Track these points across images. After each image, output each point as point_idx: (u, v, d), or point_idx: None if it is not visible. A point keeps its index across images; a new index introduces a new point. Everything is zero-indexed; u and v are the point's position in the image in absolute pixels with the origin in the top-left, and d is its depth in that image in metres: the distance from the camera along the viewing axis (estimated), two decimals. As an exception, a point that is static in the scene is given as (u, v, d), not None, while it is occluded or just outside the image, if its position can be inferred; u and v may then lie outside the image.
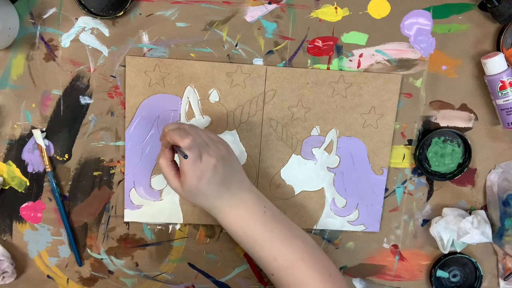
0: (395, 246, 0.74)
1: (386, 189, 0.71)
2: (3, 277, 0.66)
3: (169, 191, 0.68)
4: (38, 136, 0.64)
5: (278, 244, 0.60)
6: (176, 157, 0.61)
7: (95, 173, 0.67)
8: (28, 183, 0.66)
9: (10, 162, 0.66)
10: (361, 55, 0.67)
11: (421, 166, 0.70)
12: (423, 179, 0.72)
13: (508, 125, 0.67)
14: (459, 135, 0.70)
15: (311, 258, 0.60)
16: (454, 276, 0.75)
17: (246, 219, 0.60)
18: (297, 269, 0.59)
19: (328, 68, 0.67)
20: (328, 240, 0.73)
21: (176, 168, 0.59)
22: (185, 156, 0.55)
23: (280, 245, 0.60)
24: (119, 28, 0.63)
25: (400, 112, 0.69)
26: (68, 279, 0.71)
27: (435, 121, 0.70)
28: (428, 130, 0.70)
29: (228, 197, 0.59)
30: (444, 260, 0.73)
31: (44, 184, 0.67)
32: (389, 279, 0.75)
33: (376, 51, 0.67)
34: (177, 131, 0.56)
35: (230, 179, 0.59)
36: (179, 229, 0.70)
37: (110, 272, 0.71)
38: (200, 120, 0.66)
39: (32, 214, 0.68)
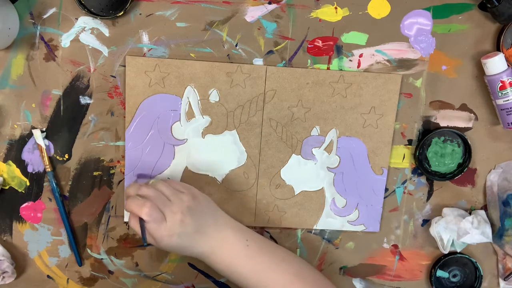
0: (395, 246, 0.74)
1: (386, 189, 0.71)
2: (3, 277, 0.66)
3: (169, 191, 0.68)
4: (38, 136, 0.64)
5: (266, 272, 0.59)
6: None
7: (95, 173, 0.67)
8: (28, 183, 0.66)
9: (10, 162, 0.66)
10: (361, 55, 0.67)
11: (421, 166, 0.70)
12: (423, 179, 0.72)
13: (508, 125, 0.67)
14: (459, 135, 0.70)
15: (302, 279, 0.60)
16: (454, 276, 0.75)
17: (230, 257, 0.59)
18: None
19: (328, 68, 0.67)
20: (328, 240, 0.73)
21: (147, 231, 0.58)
22: (144, 242, 0.57)
23: (269, 272, 0.59)
24: (119, 28, 0.63)
25: (400, 112, 0.69)
26: (68, 279, 0.71)
27: (435, 121, 0.70)
28: (428, 130, 0.70)
29: (207, 242, 0.59)
30: (444, 260, 0.73)
31: (44, 184, 0.67)
32: (389, 279, 0.75)
33: (376, 51, 0.67)
34: (134, 200, 0.57)
35: (203, 225, 0.59)
36: (179, 229, 0.70)
37: (110, 272, 0.71)
38: (200, 120, 0.66)
39: (32, 214, 0.68)
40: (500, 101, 0.66)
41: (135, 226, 0.58)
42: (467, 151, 0.70)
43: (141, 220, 0.57)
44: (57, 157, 0.66)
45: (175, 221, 0.56)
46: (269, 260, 0.60)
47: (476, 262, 0.74)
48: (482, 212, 0.72)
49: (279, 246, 0.63)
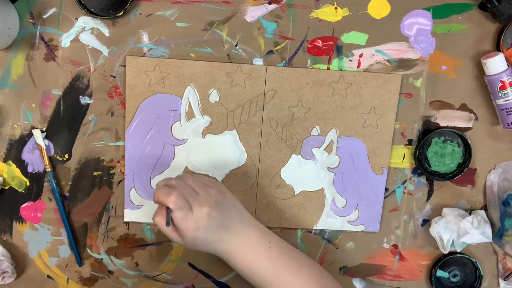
0: (395, 246, 0.74)
1: (386, 189, 0.71)
2: (3, 277, 0.66)
3: (169, 191, 0.68)
4: (38, 136, 0.64)
5: (285, 277, 0.59)
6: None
7: (95, 173, 0.67)
8: (28, 183, 0.66)
9: (10, 162, 0.66)
10: (361, 55, 0.67)
11: (421, 166, 0.70)
12: (423, 179, 0.72)
13: (508, 125, 0.67)
14: (459, 135, 0.70)
15: (320, 286, 0.59)
16: (454, 276, 0.75)
17: (252, 257, 0.59)
18: None
19: (328, 68, 0.67)
20: (328, 240, 0.73)
21: (173, 223, 0.58)
22: (167, 224, 0.56)
23: (288, 277, 0.59)
24: (119, 28, 0.63)
25: (400, 112, 0.69)
26: (68, 279, 0.71)
27: (435, 121, 0.70)
28: (428, 130, 0.70)
29: (230, 239, 0.58)
30: (444, 260, 0.73)
31: (44, 184, 0.67)
32: (389, 279, 0.75)
33: (376, 51, 0.67)
34: (162, 189, 0.56)
35: (228, 221, 0.58)
36: (179, 229, 0.70)
37: (110, 272, 0.71)
38: (200, 120, 0.66)
39: (32, 214, 0.68)
40: (500, 101, 0.66)
41: (160, 222, 0.57)
42: (467, 151, 0.70)
43: (168, 209, 0.56)
44: (57, 157, 0.66)
45: (202, 213, 0.56)
46: (290, 265, 0.60)
47: (476, 262, 0.74)
48: (482, 212, 0.72)
49: (298, 251, 0.63)
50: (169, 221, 0.56)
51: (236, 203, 0.61)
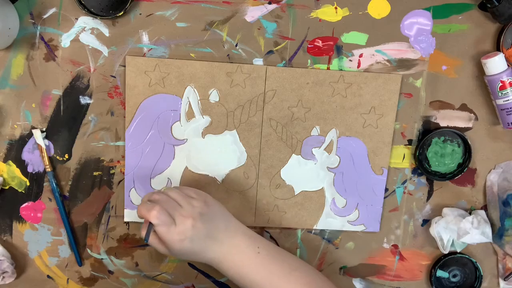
0: (395, 246, 0.74)
1: (386, 189, 0.71)
2: (3, 277, 0.66)
3: (169, 191, 0.68)
4: (38, 136, 0.64)
5: (276, 281, 0.59)
6: None
7: (95, 173, 0.67)
8: (28, 183, 0.66)
9: (10, 162, 0.66)
10: (361, 55, 0.67)
11: (421, 166, 0.70)
12: (423, 179, 0.72)
13: (508, 125, 0.67)
14: (459, 135, 0.70)
15: None
16: (454, 276, 0.75)
17: (240, 264, 0.59)
18: None
19: (328, 68, 0.67)
20: (328, 240, 0.73)
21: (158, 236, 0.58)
22: (146, 239, 0.57)
23: (280, 281, 0.59)
24: (119, 28, 0.63)
25: (400, 112, 0.69)
26: (68, 279, 0.71)
27: (435, 121, 0.70)
28: (428, 130, 0.70)
29: (218, 247, 0.59)
30: (444, 260, 0.73)
31: (44, 184, 0.67)
32: (389, 279, 0.75)
33: (376, 51, 0.67)
34: (144, 205, 0.57)
35: (215, 230, 0.59)
36: (179, 229, 0.70)
37: (110, 272, 0.71)
38: (200, 120, 0.66)
39: (32, 214, 0.68)
40: (500, 101, 0.66)
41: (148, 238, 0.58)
42: (467, 151, 0.70)
43: (150, 224, 0.57)
44: (57, 157, 0.66)
45: (186, 225, 0.56)
46: (281, 269, 0.60)
47: (476, 262, 0.74)
48: (482, 212, 0.72)
49: (291, 255, 0.63)
50: (148, 236, 0.57)
51: (223, 212, 0.61)
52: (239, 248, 0.60)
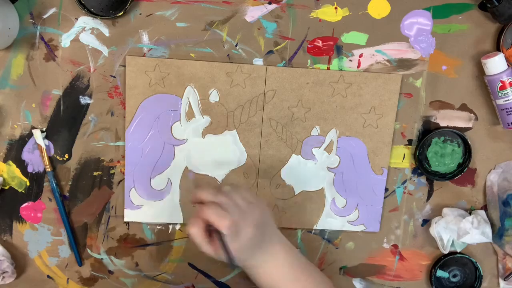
0: (395, 246, 0.74)
1: (386, 189, 0.71)
2: (3, 277, 0.66)
3: (169, 191, 0.68)
4: (38, 136, 0.64)
5: None
6: None
7: (95, 173, 0.67)
8: (28, 183, 0.66)
9: (10, 162, 0.66)
10: (361, 55, 0.67)
11: (421, 166, 0.70)
12: (423, 179, 0.72)
13: (508, 125, 0.67)
14: (459, 135, 0.70)
15: None
16: (454, 276, 0.75)
17: (275, 274, 0.59)
18: None
19: (328, 68, 0.67)
20: (328, 240, 0.73)
21: (209, 233, 0.56)
22: (230, 261, 0.53)
23: None
24: (119, 28, 0.63)
25: (400, 112, 0.69)
26: (68, 279, 0.71)
27: (435, 121, 0.70)
28: (428, 130, 0.70)
29: (260, 255, 0.58)
30: (444, 260, 0.73)
31: (44, 184, 0.67)
32: (389, 279, 0.75)
33: (376, 51, 0.67)
34: (214, 209, 0.53)
35: (263, 239, 0.58)
36: (179, 229, 0.70)
37: (110, 272, 0.71)
38: (200, 120, 0.66)
39: (32, 214, 0.68)
40: (500, 101, 0.66)
41: (197, 235, 0.54)
42: (467, 151, 0.70)
43: (220, 235, 0.53)
44: (57, 157, 0.66)
45: (246, 235, 0.55)
46: (310, 284, 0.60)
47: (476, 262, 0.74)
48: (482, 212, 0.72)
49: (316, 269, 0.63)
50: (229, 250, 0.52)
51: (271, 221, 0.60)
52: (277, 259, 0.59)
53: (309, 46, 0.66)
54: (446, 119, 0.70)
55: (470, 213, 0.73)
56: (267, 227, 0.59)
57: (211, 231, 0.55)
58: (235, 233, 0.54)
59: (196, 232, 0.55)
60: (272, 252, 0.59)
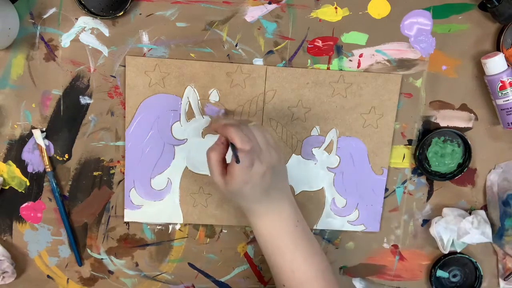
0: (395, 246, 0.74)
1: (386, 189, 0.71)
2: (3, 277, 0.66)
3: (169, 191, 0.68)
4: (38, 136, 0.64)
5: (299, 259, 0.59)
6: (228, 154, 0.59)
7: (95, 173, 0.67)
8: (28, 183, 0.66)
9: (10, 162, 0.66)
10: (361, 55, 0.67)
11: (421, 166, 0.70)
12: (423, 179, 0.72)
13: (508, 125, 0.67)
14: (459, 135, 0.70)
15: (324, 279, 0.60)
16: (454, 276, 0.75)
17: (277, 228, 0.60)
18: (310, 286, 0.59)
19: (328, 68, 0.67)
20: (328, 240, 0.73)
21: (224, 165, 0.58)
22: (238, 161, 0.54)
23: (302, 259, 0.59)
24: (119, 28, 0.63)
25: (400, 112, 0.69)
26: (68, 279, 0.71)
27: (435, 121, 0.70)
28: (428, 130, 0.70)
29: (266, 203, 0.59)
30: (444, 260, 0.73)
31: (44, 184, 0.67)
32: (389, 279, 0.75)
33: (376, 51, 0.67)
34: (239, 132, 0.55)
35: (273, 187, 0.58)
36: (179, 229, 0.70)
37: (110, 272, 0.71)
38: (200, 120, 0.66)
39: (32, 214, 0.68)
40: (500, 101, 0.66)
41: (214, 161, 0.56)
42: (467, 151, 0.70)
43: (234, 148, 0.55)
44: (57, 157, 0.66)
45: (258, 171, 0.55)
46: (307, 249, 0.60)
47: (476, 262, 0.74)
48: (482, 212, 0.72)
49: (316, 240, 0.63)
50: (239, 159, 0.54)
51: (285, 174, 0.61)
52: (283, 213, 0.60)
53: (309, 46, 0.66)
54: (446, 119, 0.70)
55: (470, 213, 0.73)
56: (280, 176, 0.60)
57: (227, 164, 0.56)
58: (250, 163, 0.55)
59: (214, 157, 0.57)
60: (279, 205, 0.59)
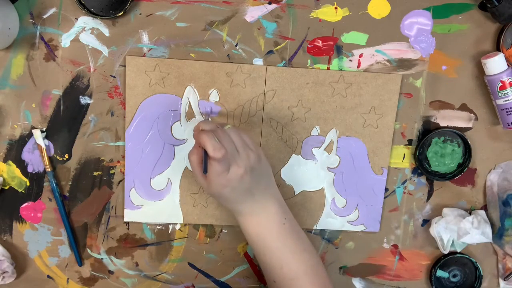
0: (395, 246, 0.74)
1: (386, 189, 0.71)
2: (3, 277, 0.66)
3: (169, 191, 0.68)
4: (38, 136, 0.64)
5: (287, 255, 0.60)
6: None
7: (95, 173, 0.67)
8: (28, 183, 0.66)
9: (10, 162, 0.66)
10: (361, 55, 0.67)
11: (421, 166, 0.70)
12: (423, 179, 0.72)
13: (508, 125, 0.67)
14: (459, 135, 0.70)
15: (314, 274, 0.61)
16: (454, 276, 0.75)
17: (264, 227, 0.60)
18: (300, 282, 0.60)
19: (328, 68, 0.67)
20: (328, 240, 0.73)
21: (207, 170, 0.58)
22: (205, 171, 0.56)
23: (290, 256, 0.60)
24: (119, 28, 0.63)
25: (400, 112, 0.69)
26: (68, 279, 0.71)
27: (435, 121, 0.70)
28: (428, 130, 0.70)
29: (251, 203, 0.59)
30: (444, 260, 0.73)
31: (44, 184, 0.67)
32: (389, 278, 0.75)
33: (376, 51, 0.67)
34: (211, 140, 0.55)
35: (256, 187, 0.59)
36: (179, 229, 0.70)
37: (110, 272, 0.71)
38: (200, 120, 0.66)
39: (32, 214, 0.68)
40: (500, 101, 0.66)
41: (195, 163, 0.57)
42: (467, 151, 0.70)
43: (206, 156, 0.56)
44: (57, 157, 0.66)
45: (236, 175, 0.56)
46: (295, 245, 0.61)
47: (476, 262, 0.74)
48: (482, 212, 0.72)
49: (305, 236, 0.64)
50: (207, 169, 0.56)
51: (268, 172, 0.62)
52: (269, 212, 0.60)
53: (309, 46, 0.66)
54: (446, 119, 0.70)
55: (470, 213, 0.73)
56: (263, 177, 0.60)
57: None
58: (224, 168, 0.56)
59: (195, 161, 0.58)
60: (265, 205, 0.60)
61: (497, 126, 0.71)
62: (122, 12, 0.61)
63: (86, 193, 0.68)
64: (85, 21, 0.62)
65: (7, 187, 0.66)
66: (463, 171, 0.70)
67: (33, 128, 0.65)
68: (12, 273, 0.67)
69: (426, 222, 0.73)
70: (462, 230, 0.69)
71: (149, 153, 0.67)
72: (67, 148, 0.66)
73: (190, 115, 0.66)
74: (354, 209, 0.71)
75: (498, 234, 0.73)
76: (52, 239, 0.69)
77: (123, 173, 0.67)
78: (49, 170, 0.65)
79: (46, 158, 0.65)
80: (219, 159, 0.55)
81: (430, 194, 0.72)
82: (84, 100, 0.65)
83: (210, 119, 0.64)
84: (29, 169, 0.66)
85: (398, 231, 0.73)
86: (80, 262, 0.70)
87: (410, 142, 0.70)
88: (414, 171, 0.71)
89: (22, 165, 0.66)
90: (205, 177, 0.58)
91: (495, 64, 0.65)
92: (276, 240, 0.60)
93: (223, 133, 0.57)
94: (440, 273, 0.74)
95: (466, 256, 0.73)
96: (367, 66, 0.67)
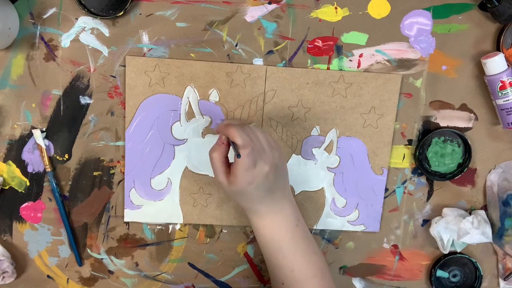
0: (395, 246, 0.74)
1: (386, 189, 0.71)
2: (3, 277, 0.66)
3: (169, 191, 0.68)
4: (38, 136, 0.64)
5: (299, 258, 0.60)
6: (230, 154, 0.60)
7: (95, 173, 0.67)
8: (28, 183, 0.66)
9: (10, 162, 0.66)
10: (361, 55, 0.67)
11: (421, 166, 0.70)
12: (423, 179, 0.72)
13: (508, 125, 0.67)
14: (459, 135, 0.70)
15: (322, 278, 0.61)
16: (454, 276, 0.75)
17: (278, 227, 0.60)
18: (309, 284, 0.60)
19: (328, 68, 0.67)
20: (328, 240, 0.73)
21: (227, 164, 0.58)
22: (239, 156, 0.54)
23: (301, 259, 0.60)
24: (119, 28, 0.63)
25: (400, 112, 0.69)
26: (68, 279, 0.71)
27: (435, 121, 0.70)
28: (428, 130, 0.70)
29: (269, 203, 0.59)
30: (444, 260, 0.73)
31: (44, 184, 0.67)
32: (389, 278, 0.75)
33: (376, 51, 0.67)
34: (240, 132, 0.55)
35: (276, 186, 0.59)
36: (179, 229, 0.70)
37: (110, 272, 0.71)
38: (200, 120, 0.66)
39: (32, 214, 0.68)
40: (500, 101, 0.66)
41: (217, 161, 0.57)
42: (467, 151, 0.70)
43: (234, 144, 0.55)
44: (57, 157, 0.66)
45: (262, 171, 0.56)
46: (307, 248, 0.61)
47: (476, 262, 0.74)
48: (482, 212, 0.72)
49: (314, 240, 0.64)
50: (239, 154, 0.55)
51: (287, 173, 0.62)
52: (284, 213, 0.60)
53: (309, 46, 0.66)
54: (446, 119, 0.70)
55: (470, 213, 0.73)
56: (281, 175, 0.60)
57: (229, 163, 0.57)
58: (252, 163, 0.55)
59: (217, 157, 0.57)
60: (281, 204, 0.60)
61: (497, 126, 0.71)
62: (122, 12, 0.61)
63: (86, 193, 0.68)
64: (85, 21, 0.62)
65: (7, 187, 0.66)
66: (463, 171, 0.70)
67: (33, 128, 0.65)
68: (12, 273, 0.67)
69: (426, 222, 0.73)
70: (462, 230, 0.69)
71: (149, 153, 0.67)
72: (67, 148, 0.66)
73: (190, 115, 0.66)
74: (354, 209, 0.71)
75: (498, 234, 0.73)
76: (52, 239, 0.69)
77: (123, 173, 0.67)
78: (49, 170, 0.65)
79: (46, 158, 0.65)
80: (249, 151, 0.54)
81: (430, 194, 0.72)
82: (84, 100, 0.65)
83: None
84: (29, 169, 0.66)
85: (398, 231, 0.73)
86: (80, 262, 0.70)
87: (410, 142, 0.70)
88: (414, 171, 0.71)
89: (22, 165, 0.66)
90: (227, 174, 0.57)
91: (495, 64, 0.65)
92: (290, 242, 0.60)
93: (249, 129, 0.57)
94: (440, 273, 0.74)
95: (466, 256, 0.73)
96: (367, 66, 0.67)
